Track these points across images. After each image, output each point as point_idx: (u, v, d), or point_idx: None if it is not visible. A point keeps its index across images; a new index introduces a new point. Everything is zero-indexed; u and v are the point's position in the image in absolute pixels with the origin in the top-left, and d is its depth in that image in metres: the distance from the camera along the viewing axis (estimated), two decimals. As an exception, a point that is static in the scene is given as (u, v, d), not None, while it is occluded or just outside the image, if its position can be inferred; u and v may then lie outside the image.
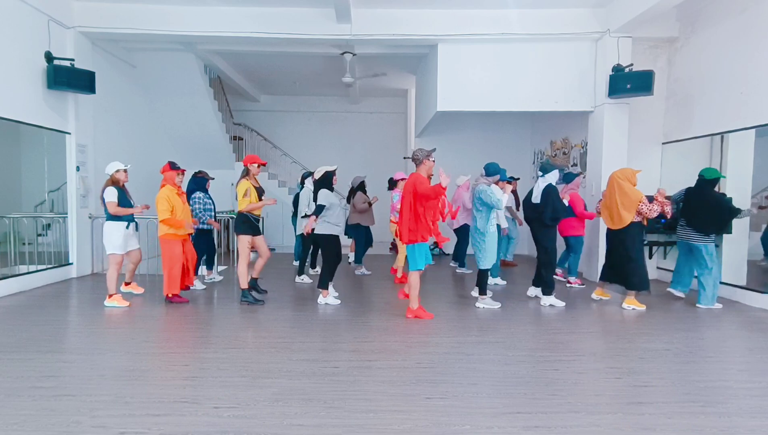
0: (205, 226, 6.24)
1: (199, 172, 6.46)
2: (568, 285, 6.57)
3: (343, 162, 12.11)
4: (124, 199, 5.25)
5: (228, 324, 4.63)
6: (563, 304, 5.39)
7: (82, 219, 6.99)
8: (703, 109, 6.45)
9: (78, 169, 6.93)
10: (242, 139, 12.27)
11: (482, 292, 5.39)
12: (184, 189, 5.76)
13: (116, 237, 5.22)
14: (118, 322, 4.69)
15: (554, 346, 3.98)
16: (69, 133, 6.86)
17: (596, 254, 6.89)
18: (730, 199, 5.39)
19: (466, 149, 9.95)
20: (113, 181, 5.22)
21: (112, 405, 2.77)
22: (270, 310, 5.17)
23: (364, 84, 10.93)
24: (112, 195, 5.14)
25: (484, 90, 7.32)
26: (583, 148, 7.96)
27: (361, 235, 7.48)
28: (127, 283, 5.83)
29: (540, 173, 5.52)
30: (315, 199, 5.46)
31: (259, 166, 5.42)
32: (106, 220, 5.24)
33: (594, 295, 5.76)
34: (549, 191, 5.35)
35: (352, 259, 7.84)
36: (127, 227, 5.31)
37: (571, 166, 8.39)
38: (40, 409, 2.72)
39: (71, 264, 6.92)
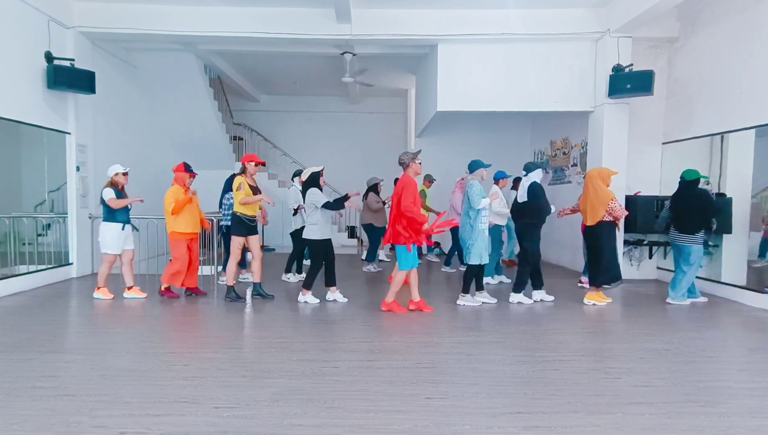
0: None
1: None
2: (579, 285, 6.58)
3: (343, 162, 12.25)
4: None
5: (228, 324, 4.64)
6: (531, 301, 5.54)
7: (82, 219, 6.99)
8: (703, 109, 6.45)
9: (78, 169, 6.94)
10: (242, 139, 12.28)
11: (465, 289, 5.46)
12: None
13: (110, 237, 5.40)
14: (118, 322, 4.69)
15: (554, 346, 3.98)
16: (69, 133, 6.86)
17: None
18: (714, 194, 5.61)
19: (466, 149, 9.88)
20: (112, 184, 5.41)
21: (112, 405, 2.77)
22: (268, 309, 5.17)
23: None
24: (110, 193, 5.34)
25: (484, 90, 7.31)
26: (583, 148, 7.96)
27: (376, 236, 7.70)
28: (129, 288, 5.61)
29: (524, 173, 5.61)
30: (303, 199, 5.63)
31: (257, 165, 5.43)
32: (103, 220, 5.42)
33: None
34: (534, 189, 5.40)
35: (364, 256, 8.24)
36: (123, 229, 5.42)
37: (571, 166, 8.40)
38: (40, 409, 2.72)
39: (71, 264, 6.92)
